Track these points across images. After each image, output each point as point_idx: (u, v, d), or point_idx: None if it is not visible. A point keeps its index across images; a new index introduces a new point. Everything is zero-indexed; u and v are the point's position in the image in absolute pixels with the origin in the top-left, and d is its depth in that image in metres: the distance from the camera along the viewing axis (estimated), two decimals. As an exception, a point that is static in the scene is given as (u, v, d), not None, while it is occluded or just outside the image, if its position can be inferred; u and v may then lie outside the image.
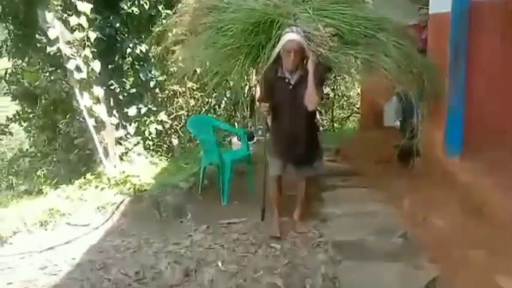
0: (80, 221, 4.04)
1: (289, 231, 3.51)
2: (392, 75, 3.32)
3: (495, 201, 2.86)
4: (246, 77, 4.53)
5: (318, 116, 3.58)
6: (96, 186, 5.13)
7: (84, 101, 5.56)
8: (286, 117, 3.38)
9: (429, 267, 2.77)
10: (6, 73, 7.94)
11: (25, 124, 8.10)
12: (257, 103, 3.69)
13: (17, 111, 8.44)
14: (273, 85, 3.34)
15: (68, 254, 3.39)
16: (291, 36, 3.17)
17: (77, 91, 5.54)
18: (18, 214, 4.04)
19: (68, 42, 5.42)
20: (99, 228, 3.91)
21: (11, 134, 8.86)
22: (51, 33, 5.30)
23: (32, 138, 8.49)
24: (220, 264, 3.05)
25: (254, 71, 3.71)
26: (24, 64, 7.84)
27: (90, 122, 5.59)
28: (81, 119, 6.63)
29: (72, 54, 5.41)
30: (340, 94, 10.16)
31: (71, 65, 5.38)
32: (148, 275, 2.97)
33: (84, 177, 5.46)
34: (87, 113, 5.56)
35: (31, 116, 8.07)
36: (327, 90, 9.40)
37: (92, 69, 5.56)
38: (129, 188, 4.88)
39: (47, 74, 7.42)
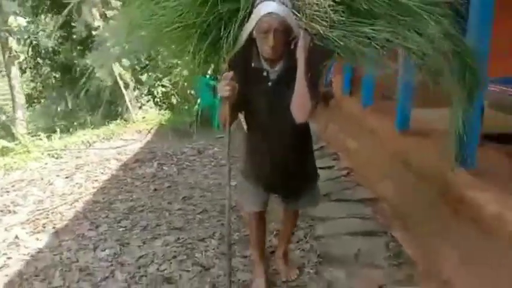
0: (128, 138, 6.75)
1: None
2: (424, 62, 2.23)
3: (355, 111, 5.68)
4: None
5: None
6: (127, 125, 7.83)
7: (116, 69, 8.18)
8: (263, 130, 2.26)
9: (326, 147, 5.61)
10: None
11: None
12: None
13: (50, 81, 11.07)
14: (243, 81, 2.11)
15: (129, 149, 6.08)
16: (268, 7, 2.01)
17: (113, 65, 8.14)
18: (91, 133, 6.73)
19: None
20: (142, 141, 6.61)
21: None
22: (96, 23, 7.86)
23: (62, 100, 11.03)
24: (216, 148, 5.80)
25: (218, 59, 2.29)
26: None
27: (121, 84, 8.22)
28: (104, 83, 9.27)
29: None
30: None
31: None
32: (179, 153, 5.70)
33: (116, 121, 8.17)
34: (119, 78, 8.19)
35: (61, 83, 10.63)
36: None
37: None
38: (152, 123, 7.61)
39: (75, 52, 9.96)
